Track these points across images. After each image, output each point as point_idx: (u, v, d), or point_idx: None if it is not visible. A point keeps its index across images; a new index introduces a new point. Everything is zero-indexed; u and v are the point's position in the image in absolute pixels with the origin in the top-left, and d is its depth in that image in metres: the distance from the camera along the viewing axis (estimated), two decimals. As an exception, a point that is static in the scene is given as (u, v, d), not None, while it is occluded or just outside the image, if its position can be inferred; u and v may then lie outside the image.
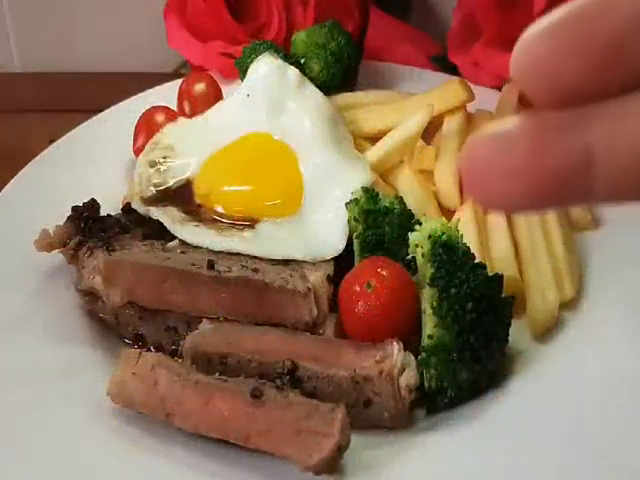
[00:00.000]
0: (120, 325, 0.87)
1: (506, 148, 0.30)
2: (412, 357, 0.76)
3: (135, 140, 1.08)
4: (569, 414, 0.73)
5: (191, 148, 1.01)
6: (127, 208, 0.95)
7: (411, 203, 0.90)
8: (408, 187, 0.96)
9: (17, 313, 0.86)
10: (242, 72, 1.14)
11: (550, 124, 0.30)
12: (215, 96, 1.14)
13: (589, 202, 0.30)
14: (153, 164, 1.00)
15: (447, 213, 0.94)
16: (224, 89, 1.16)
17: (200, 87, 1.15)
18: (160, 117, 1.08)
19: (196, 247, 0.88)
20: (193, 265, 0.83)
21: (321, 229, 0.91)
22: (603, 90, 0.29)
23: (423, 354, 0.75)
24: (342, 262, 0.87)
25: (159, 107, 1.10)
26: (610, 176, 0.29)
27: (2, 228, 0.96)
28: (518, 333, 0.82)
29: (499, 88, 1.16)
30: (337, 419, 0.68)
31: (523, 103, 1.07)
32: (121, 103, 1.20)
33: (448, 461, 0.71)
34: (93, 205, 0.92)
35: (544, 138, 0.29)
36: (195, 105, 1.12)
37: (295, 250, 0.88)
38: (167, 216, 0.92)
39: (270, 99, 1.01)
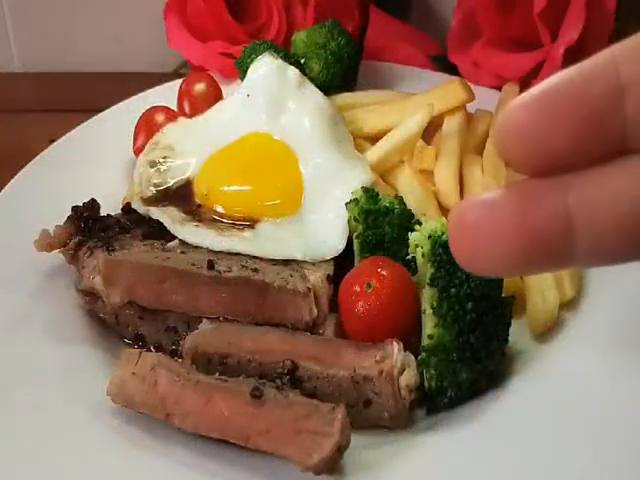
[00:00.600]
0: (120, 325, 0.87)
1: (493, 213, 0.31)
2: (412, 357, 0.76)
3: (135, 140, 1.08)
4: (569, 414, 0.73)
5: (191, 148, 1.01)
6: (127, 208, 0.95)
7: (411, 203, 0.91)
8: (408, 187, 0.96)
9: (17, 313, 0.86)
10: (242, 72, 1.14)
11: (533, 191, 0.31)
12: (215, 96, 1.14)
13: (571, 265, 0.31)
14: (153, 164, 1.00)
15: (447, 213, 0.94)
16: (224, 89, 1.16)
17: (200, 87, 1.15)
18: (160, 117, 1.08)
19: (196, 247, 0.88)
20: (193, 265, 0.83)
21: (321, 229, 0.91)
22: (584, 158, 0.30)
23: (423, 354, 0.75)
24: (342, 262, 0.87)
25: (159, 107, 1.10)
26: (590, 241, 0.30)
27: (2, 228, 0.96)
28: (518, 333, 0.82)
29: (499, 88, 1.16)
30: (337, 419, 0.68)
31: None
32: (121, 103, 1.20)
33: (448, 461, 0.71)
34: (93, 205, 0.92)
35: (528, 204, 0.31)
36: (195, 105, 1.12)
37: (295, 250, 0.88)
38: (167, 216, 0.92)
39: (270, 99, 1.01)
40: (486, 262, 0.32)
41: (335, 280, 0.85)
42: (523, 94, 0.30)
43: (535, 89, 0.30)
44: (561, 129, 0.29)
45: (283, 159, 0.97)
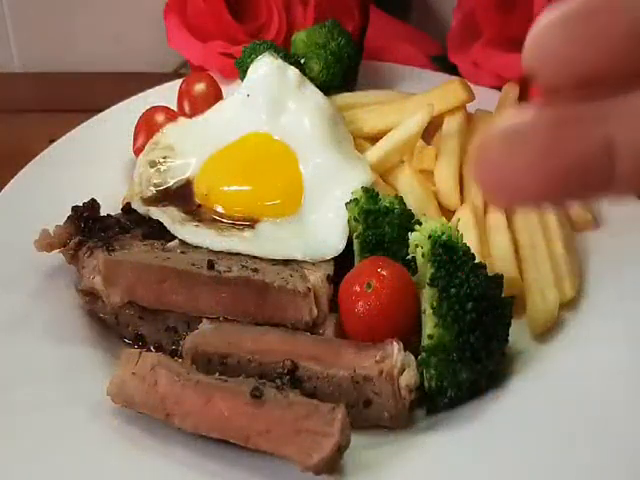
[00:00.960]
0: (120, 325, 0.87)
1: (522, 142, 0.30)
2: (412, 357, 0.76)
3: (135, 140, 1.08)
4: (569, 414, 0.73)
5: (191, 148, 1.01)
6: (127, 208, 0.95)
7: (411, 203, 0.91)
8: (408, 187, 0.96)
9: (17, 313, 0.86)
10: (242, 72, 1.14)
11: (568, 116, 0.30)
12: (215, 96, 1.14)
13: (608, 193, 0.30)
14: (153, 164, 1.00)
15: (447, 213, 0.94)
16: (224, 89, 1.16)
17: (200, 87, 1.15)
18: (160, 117, 1.08)
19: (196, 247, 0.88)
20: (193, 265, 0.83)
21: (321, 229, 0.91)
22: (618, 77, 0.29)
23: (423, 354, 0.75)
24: (342, 262, 0.87)
25: (159, 107, 1.10)
26: (632, 166, 0.29)
27: (2, 228, 0.96)
28: (518, 333, 0.82)
29: (499, 88, 1.16)
30: (337, 419, 0.68)
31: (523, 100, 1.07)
32: (121, 103, 1.20)
33: (448, 461, 0.71)
34: (93, 205, 0.92)
35: (563, 130, 0.30)
36: (195, 105, 1.12)
37: (295, 250, 0.88)
38: (167, 216, 0.92)
39: (270, 99, 1.01)
40: (522, 193, 0.31)
41: (335, 280, 0.85)
42: (550, 13, 0.30)
43: (563, 6, 0.29)
44: (596, 45, 0.29)
45: (283, 159, 0.97)
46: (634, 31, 0.28)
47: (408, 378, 0.74)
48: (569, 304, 0.85)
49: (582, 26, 0.29)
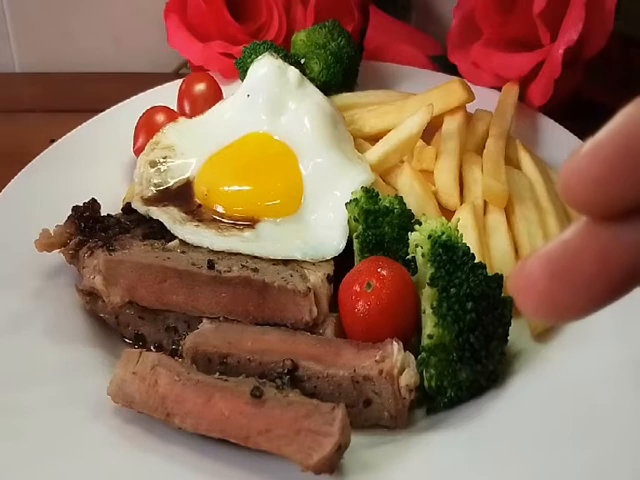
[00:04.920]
0: (120, 325, 0.87)
1: (572, 258, 0.32)
2: (412, 357, 0.76)
3: (135, 140, 1.08)
4: (569, 414, 0.73)
5: (191, 148, 1.01)
6: (127, 208, 0.95)
7: (411, 203, 0.90)
8: (408, 187, 0.96)
9: (17, 313, 0.86)
10: (242, 72, 1.14)
11: (610, 232, 0.31)
12: (215, 96, 1.14)
13: None
14: (153, 164, 1.00)
15: (447, 213, 0.94)
16: (224, 89, 1.16)
17: (200, 87, 1.15)
18: (160, 117, 1.08)
19: (196, 247, 0.88)
20: (193, 265, 0.83)
21: (321, 229, 0.91)
22: None
23: (423, 354, 0.75)
24: (342, 262, 0.87)
25: (159, 107, 1.10)
26: None
27: (2, 228, 0.96)
28: (518, 333, 0.82)
29: (499, 88, 1.16)
30: (337, 419, 0.68)
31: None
32: (121, 103, 1.20)
33: (448, 461, 0.71)
34: (93, 205, 0.93)
35: (611, 254, 0.31)
36: (195, 105, 1.12)
37: (295, 250, 0.88)
38: (167, 216, 0.92)
39: (270, 99, 1.01)
40: (562, 314, 0.32)
41: (335, 280, 0.85)
42: (588, 142, 0.30)
43: (595, 139, 0.30)
44: (627, 174, 0.29)
45: (283, 159, 0.97)
46: None
47: (408, 378, 0.74)
48: (569, 304, 0.85)
49: (614, 153, 0.30)
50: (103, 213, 0.93)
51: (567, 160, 0.31)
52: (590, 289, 0.31)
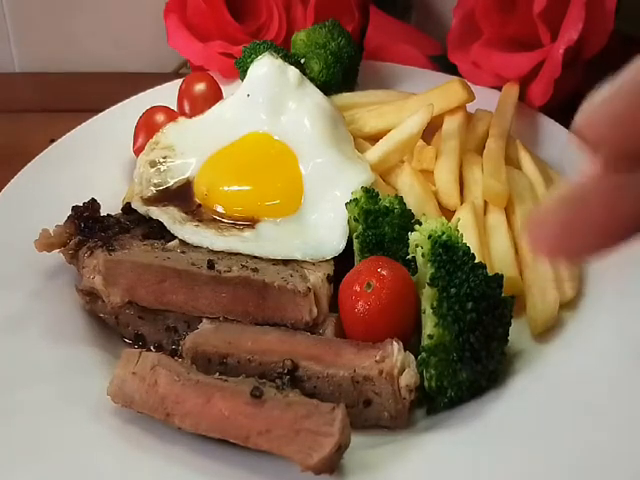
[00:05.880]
0: (120, 325, 0.87)
1: (584, 206, 0.34)
2: (412, 357, 0.76)
3: (135, 140, 1.08)
4: (569, 414, 0.73)
5: (191, 148, 1.01)
6: (127, 208, 0.95)
7: (411, 203, 0.91)
8: (408, 187, 0.96)
9: (17, 313, 0.86)
10: (242, 72, 1.14)
11: (617, 183, 0.34)
12: (215, 96, 1.14)
13: None
14: (153, 164, 1.00)
15: (447, 213, 0.94)
16: (224, 89, 1.16)
17: (200, 87, 1.15)
18: (160, 117, 1.08)
19: (196, 247, 0.88)
20: (193, 265, 0.83)
21: (321, 229, 0.91)
22: None
23: (423, 354, 0.75)
24: (342, 262, 0.87)
25: (159, 107, 1.10)
26: None
27: (2, 228, 0.96)
28: (518, 333, 0.82)
29: (499, 88, 1.16)
30: (337, 419, 0.68)
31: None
32: (121, 103, 1.20)
33: (448, 461, 0.71)
34: (93, 205, 0.93)
35: (622, 191, 0.33)
36: (195, 105, 1.12)
37: (295, 250, 0.88)
38: (167, 216, 0.92)
39: (270, 99, 1.01)
40: (580, 253, 0.35)
41: (335, 280, 0.85)
42: (606, 86, 0.33)
43: (609, 86, 0.33)
44: None
45: (283, 159, 0.97)
46: None
47: (408, 378, 0.74)
48: (569, 304, 0.85)
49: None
50: (103, 213, 0.93)
51: (587, 101, 0.33)
52: (598, 235, 0.34)
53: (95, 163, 1.09)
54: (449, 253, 0.74)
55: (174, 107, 1.13)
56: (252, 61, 1.06)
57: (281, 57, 1.06)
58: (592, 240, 0.34)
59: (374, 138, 1.03)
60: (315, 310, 0.81)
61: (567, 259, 0.35)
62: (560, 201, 0.35)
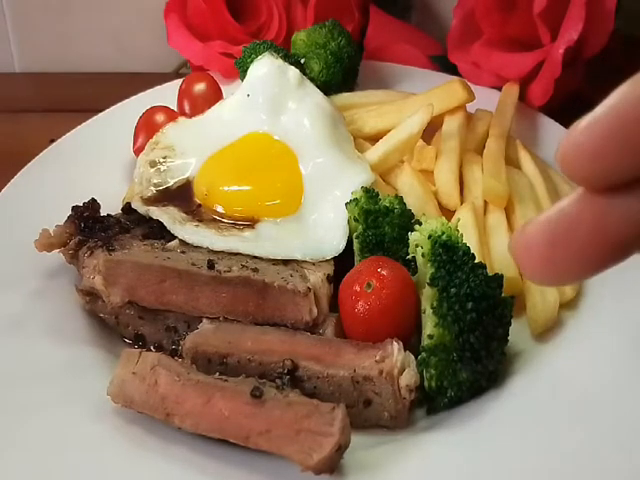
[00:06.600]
0: (120, 325, 0.87)
1: (569, 227, 0.33)
2: (412, 357, 0.76)
3: (135, 140, 1.08)
4: (568, 414, 0.73)
5: (191, 148, 1.01)
6: (127, 208, 0.95)
7: (411, 203, 0.90)
8: (408, 187, 0.96)
9: (17, 313, 0.86)
10: (242, 72, 1.14)
11: (606, 203, 0.32)
12: (215, 96, 1.14)
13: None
14: (153, 164, 1.00)
15: (447, 213, 0.94)
16: (224, 89, 1.16)
17: (200, 87, 1.15)
18: (160, 117, 1.08)
19: (196, 247, 0.88)
20: (193, 265, 0.83)
21: (321, 229, 0.91)
22: None
23: (423, 354, 0.75)
24: (342, 262, 0.87)
25: (159, 107, 1.10)
26: None
27: (2, 228, 0.96)
28: (518, 333, 0.82)
29: (499, 88, 1.16)
30: (337, 419, 0.68)
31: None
32: (121, 103, 1.20)
33: (448, 461, 0.71)
34: (93, 205, 0.93)
35: (608, 217, 0.32)
36: (195, 105, 1.12)
37: (295, 250, 0.88)
38: (167, 216, 0.92)
39: (270, 99, 1.01)
40: (568, 275, 0.34)
41: (335, 280, 0.85)
42: (585, 118, 0.31)
43: (594, 113, 0.31)
44: (628, 154, 0.30)
45: (283, 159, 0.97)
46: None
47: (408, 378, 0.74)
48: (569, 304, 0.85)
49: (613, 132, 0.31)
50: (103, 213, 0.93)
51: (566, 135, 0.32)
52: (586, 256, 0.33)
53: (95, 163, 1.09)
54: (449, 253, 0.74)
55: (174, 107, 1.13)
56: (252, 61, 1.06)
57: (281, 57, 1.06)
58: (579, 260, 0.33)
59: (374, 138, 1.03)
60: (315, 310, 0.81)
61: (553, 281, 0.34)
62: (547, 221, 0.34)
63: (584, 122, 0.31)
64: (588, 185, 0.32)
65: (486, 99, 1.10)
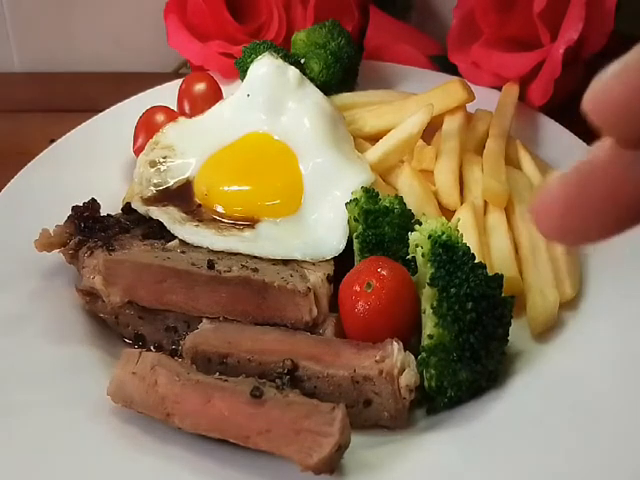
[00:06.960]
0: (120, 325, 0.87)
1: (586, 187, 0.32)
2: (412, 357, 0.76)
3: (135, 140, 1.08)
4: (568, 414, 0.73)
5: (191, 148, 1.01)
6: (127, 208, 0.95)
7: (411, 203, 0.90)
8: (408, 187, 0.96)
9: (17, 313, 0.86)
10: (242, 72, 1.14)
11: (623, 165, 0.32)
12: (215, 96, 1.14)
13: None
14: (153, 164, 1.00)
15: (447, 213, 0.94)
16: (224, 89, 1.16)
17: (200, 87, 1.15)
18: (160, 117, 1.08)
19: (196, 247, 0.88)
20: (193, 265, 0.83)
21: (321, 229, 0.91)
22: None
23: (423, 354, 0.75)
24: (342, 262, 0.87)
25: (159, 107, 1.10)
26: None
27: (2, 228, 0.96)
28: (518, 333, 0.82)
29: (499, 88, 1.16)
30: (337, 419, 0.68)
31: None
32: (121, 103, 1.20)
33: (448, 461, 0.71)
34: (93, 205, 0.93)
35: (630, 169, 0.32)
36: (195, 105, 1.12)
37: (295, 250, 0.88)
38: (167, 216, 0.92)
39: (270, 99, 1.01)
40: (581, 236, 0.34)
41: (335, 280, 0.85)
42: (615, 64, 0.31)
43: (621, 61, 0.31)
44: None
45: (283, 159, 0.97)
46: None
47: (408, 378, 0.74)
48: (569, 304, 0.85)
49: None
50: (103, 213, 0.93)
51: (593, 83, 0.32)
52: (600, 218, 0.32)
53: (95, 163, 1.09)
54: (449, 253, 0.74)
55: (174, 107, 1.13)
56: (252, 61, 1.06)
57: (281, 57, 1.06)
58: (593, 222, 0.33)
59: (374, 138, 1.03)
60: (315, 310, 0.81)
61: (569, 242, 0.33)
62: (565, 180, 0.33)
63: (616, 66, 0.31)
64: (617, 133, 0.31)
65: (486, 99, 1.10)
